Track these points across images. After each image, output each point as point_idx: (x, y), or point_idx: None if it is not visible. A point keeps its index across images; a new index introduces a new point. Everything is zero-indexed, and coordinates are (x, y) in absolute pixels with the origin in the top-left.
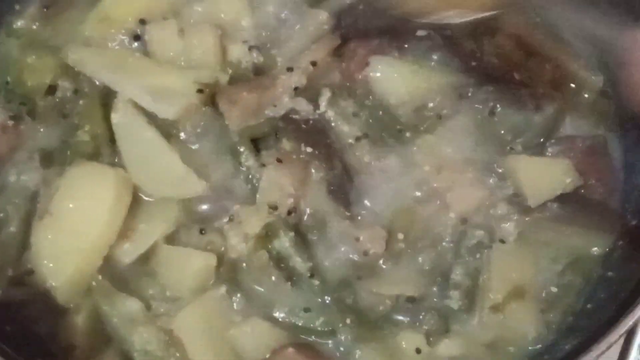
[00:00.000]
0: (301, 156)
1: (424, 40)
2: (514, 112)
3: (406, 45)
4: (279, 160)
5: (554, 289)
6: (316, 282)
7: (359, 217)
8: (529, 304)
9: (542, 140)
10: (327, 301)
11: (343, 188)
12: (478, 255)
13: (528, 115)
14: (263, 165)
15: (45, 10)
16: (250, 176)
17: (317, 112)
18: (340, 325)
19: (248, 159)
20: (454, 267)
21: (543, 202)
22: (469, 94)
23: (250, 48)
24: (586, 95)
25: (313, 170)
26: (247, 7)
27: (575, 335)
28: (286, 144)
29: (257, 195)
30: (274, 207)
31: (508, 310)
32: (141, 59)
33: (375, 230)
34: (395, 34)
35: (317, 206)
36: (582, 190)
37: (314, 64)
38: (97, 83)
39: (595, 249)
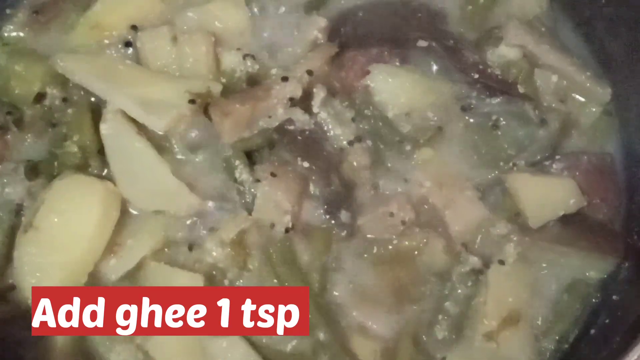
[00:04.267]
0: (297, 169)
1: (425, 50)
2: (517, 126)
3: (408, 55)
4: (274, 175)
5: (549, 314)
6: None
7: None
8: (523, 330)
9: (546, 155)
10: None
11: (339, 206)
12: (470, 283)
13: (532, 130)
14: (258, 180)
15: (35, 15)
16: (244, 191)
17: (312, 121)
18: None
19: (242, 173)
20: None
21: (545, 222)
22: (472, 106)
23: (245, 56)
24: (593, 109)
25: (310, 185)
26: (243, 14)
27: None
28: (281, 157)
29: (253, 214)
30: (271, 225)
31: (502, 337)
32: (132, 67)
33: None
34: (396, 43)
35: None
36: (586, 210)
37: (310, 73)
38: (87, 91)
39: (596, 272)
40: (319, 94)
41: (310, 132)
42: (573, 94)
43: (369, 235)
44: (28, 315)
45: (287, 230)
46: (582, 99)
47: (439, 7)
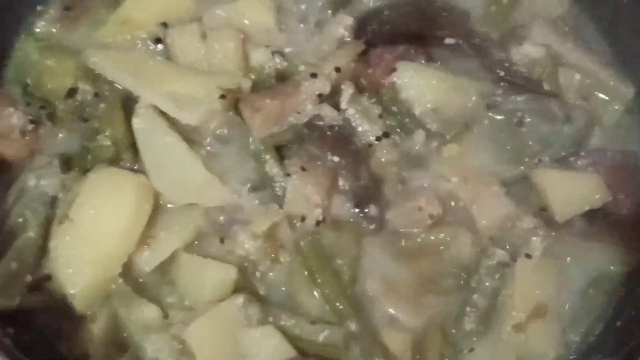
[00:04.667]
0: (326, 164)
1: (451, 48)
2: (543, 123)
3: (434, 52)
4: (304, 169)
5: (575, 308)
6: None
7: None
8: (550, 323)
9: (571, 152)
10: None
11: (368, 200)
12: (497, 276)
13: (557, 127)
14: (288, 174)
15: (66, 11)
16: (274, 185)
17: (341, 117)
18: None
19: (272, 167)
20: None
21: (570, 217)
22: (497, 104)
23: (274, 53)
24: (616, 107)
25: (339, 180)
26: (271, 12)
27: (603, 355)
28: (310, 152)
29: (284, 207)
30: (302, 219)
31: (530, 329)
32: (162, 63)
33: None
34: (422, 40)
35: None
36: (610, 206)
37: (338, 70)
38: (119, 86)
39: (621, 265)
40: (347, 90)
41: (339, 127)
42: (596, 92)
43: (397, 230)
44: (63, 305)
45: (317, 223)
46: (605, 97)
47: (463, 6)
